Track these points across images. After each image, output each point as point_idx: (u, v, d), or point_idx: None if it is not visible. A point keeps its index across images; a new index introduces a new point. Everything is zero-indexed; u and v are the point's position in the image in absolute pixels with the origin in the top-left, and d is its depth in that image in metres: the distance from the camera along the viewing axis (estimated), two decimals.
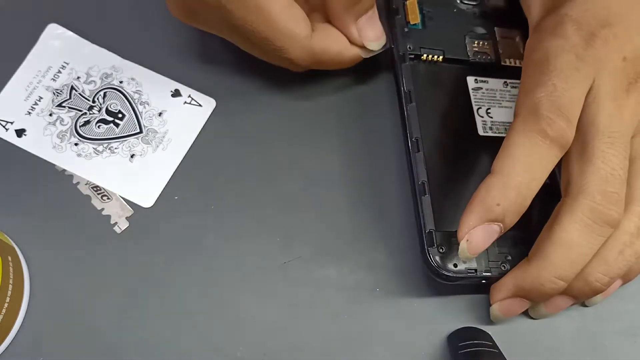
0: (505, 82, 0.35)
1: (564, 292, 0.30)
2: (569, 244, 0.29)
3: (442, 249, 0.30)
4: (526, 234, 0.31)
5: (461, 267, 0.30)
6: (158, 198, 0.34)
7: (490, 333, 0.32)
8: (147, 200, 0.34)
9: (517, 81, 0.36)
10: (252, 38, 0.30)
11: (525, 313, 0.32)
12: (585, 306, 0.33)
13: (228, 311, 0.32)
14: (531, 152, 0.28)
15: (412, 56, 0.34)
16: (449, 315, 0.33)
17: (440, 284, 0.32)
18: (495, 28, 0.36)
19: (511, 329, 0.33)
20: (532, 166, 0.28)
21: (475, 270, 0.31)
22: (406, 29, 0.35)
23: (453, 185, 0.32)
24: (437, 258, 0.30)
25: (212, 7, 0.29)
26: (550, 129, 0.28)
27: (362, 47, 0.33)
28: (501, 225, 0.28)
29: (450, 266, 0.30)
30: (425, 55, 0.34)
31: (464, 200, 0.29)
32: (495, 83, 0.35)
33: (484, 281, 0.31)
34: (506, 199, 0.28)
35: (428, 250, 0.30)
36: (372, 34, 0.32)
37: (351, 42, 0.32)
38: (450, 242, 0.31)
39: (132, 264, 0.32)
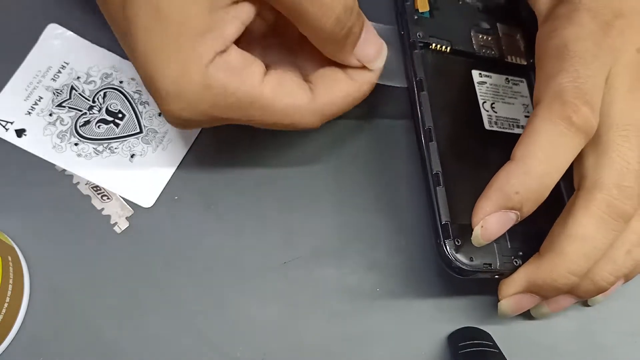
0: (507, 78, 0.35)
1: (569, 291, 0.30)
2: (583, 239, 0.28)
3: (458, 242, 0.30)
4: (538, 228, 0.30)
5: (477, 261, 0.30)
6: (158, 198, 0.34)
7: (490, 333, 0.32)
8: (147, 200, 0.34)
9: (519, 79, 0.36)
10: (259, 125, 0.29)
11: (526, 313, 0.32)
12: (587, 305, 0.33)
13: (228, 311, 0.32)
14: (555, 139, 0.27)
15: (421, 44, 0.34)
16: (449, 315, 0.33)
17: (439, 284, 0.32)
18: (498, 24, 0.36)
19: (511, 329, 0.33)
20: (555, 154, 0.27)
21: (490, 264, 0.30)
22: (416, 17, 0.34)
23: (465, 178, 0.32)
24: (453, 251, 0.30)
25: (212, 120, 0.29)
26: (576, 116, 0.27)
27: (364, 68, 0.30)
28: (518, 213, 0.27)
29: (466, 260, 0.30)
30: (434, 45, 0.34)
31: (477, 194, 0.28)
32: (497, 79, 0.35)
33: (497, 276, 0.31)
34: (526, 188, 0.27)
35: (444, 242, 0.30)
36: (370, 53, 0.30)
37: (353, 68, 0.30)
38: (466, 235, 0.30)
39: (132, 264, 0.32)
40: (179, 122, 0.29)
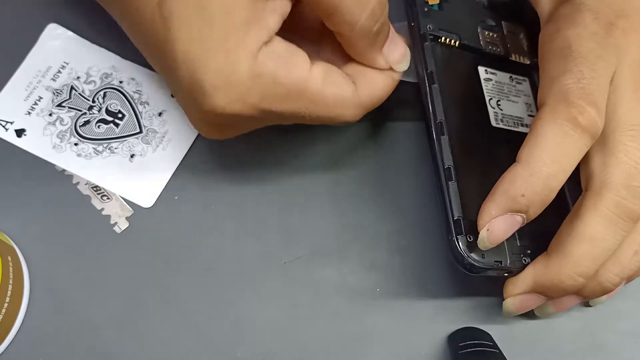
0: (511, 76, 0.35)
1: (574, 292, 0.30)
2: (592, 240, 0.28)
3: (470, 238, 0.29)
4: (546, 226, 0.30)
5: (488, 258, 0.29)
6: (158, 198, 0.34)
7: (490, 333, 0.32)
8: (147, 200, 0.34)
9: (522, 77, 0.36)
10: (304, 120, 0.29)
11: (527, 313, 0.32)
12: (589, 305, 0.33)
13: (228, 311, 0.32)
14: (560, 141, 0.27)
15: (431, 37, 0.33)
16: (449, 315, 0.33)
17: (439, 284, 0.32)
18: (503, 22, 0.36)
19: (511, 329, 0.33)
20: (560, 156, 0.27)
21: (501, 262, 0.30)
22: (425, 9, 0.34)
23: (475, 174, 0.31)
24: (466, 247, 0.29)
25: (256, 118, 0.28)
26: (581, 117, 0.27)
27: (390, 70, 0.31)
28: (524, 216, 0.27)
29: (478, 257, 0.29)
30: (443, 38, 0.34)
31: (486, 191, 0.28)
32: (502, 76, 0.35)
33: (506, 274, 0.30)
34: (532, 190, 0.27)
35: (457, 238, 0.29)
36: (397, 55, 0.30)
37: (379, 69, 0.31)
38: (477, 231, 0.29)
39: (132, 264, 0.33)
40: (223, 121, 0.28)
